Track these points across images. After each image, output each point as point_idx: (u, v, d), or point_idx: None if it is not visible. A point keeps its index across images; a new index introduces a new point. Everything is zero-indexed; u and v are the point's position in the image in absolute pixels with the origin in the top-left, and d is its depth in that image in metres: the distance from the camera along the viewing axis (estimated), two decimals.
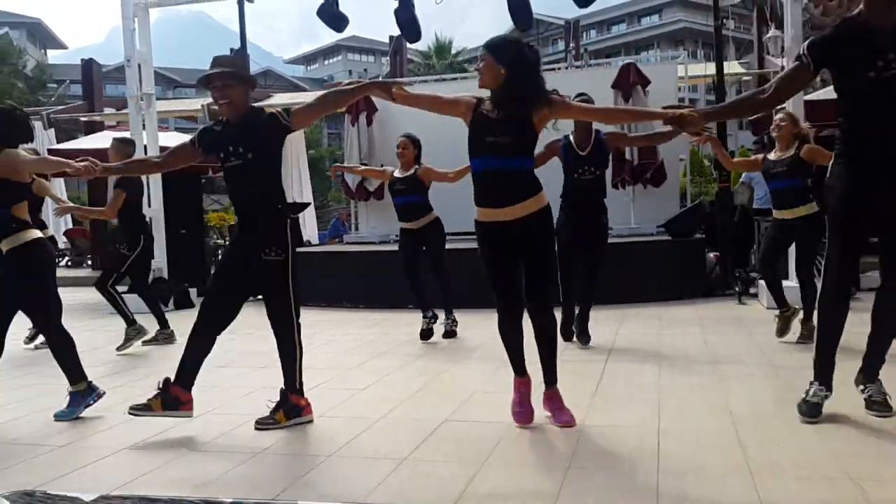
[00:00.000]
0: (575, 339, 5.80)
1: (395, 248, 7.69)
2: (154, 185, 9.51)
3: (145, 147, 9.41)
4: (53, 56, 63.55)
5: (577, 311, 5.83)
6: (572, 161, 5.69)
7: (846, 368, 3.66)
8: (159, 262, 9.45)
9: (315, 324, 7.53)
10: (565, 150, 5.69)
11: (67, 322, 4.38)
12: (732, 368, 4.76)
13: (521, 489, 2.82)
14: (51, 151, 12.01)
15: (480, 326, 6.96)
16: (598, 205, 5.73)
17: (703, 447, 3.20)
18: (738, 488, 2.72)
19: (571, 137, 5.75)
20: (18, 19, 60.41)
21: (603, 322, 6.90)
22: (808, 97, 7.99)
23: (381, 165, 10.74)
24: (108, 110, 16.65)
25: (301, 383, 3.86)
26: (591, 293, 5.79)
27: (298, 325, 3.86)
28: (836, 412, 3.61)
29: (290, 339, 3.85)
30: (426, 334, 6.27)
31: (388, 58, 18.12)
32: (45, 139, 16.68)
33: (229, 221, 14.34)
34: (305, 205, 17.14)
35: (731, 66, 13.85)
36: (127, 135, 7.66)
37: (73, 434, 3.77)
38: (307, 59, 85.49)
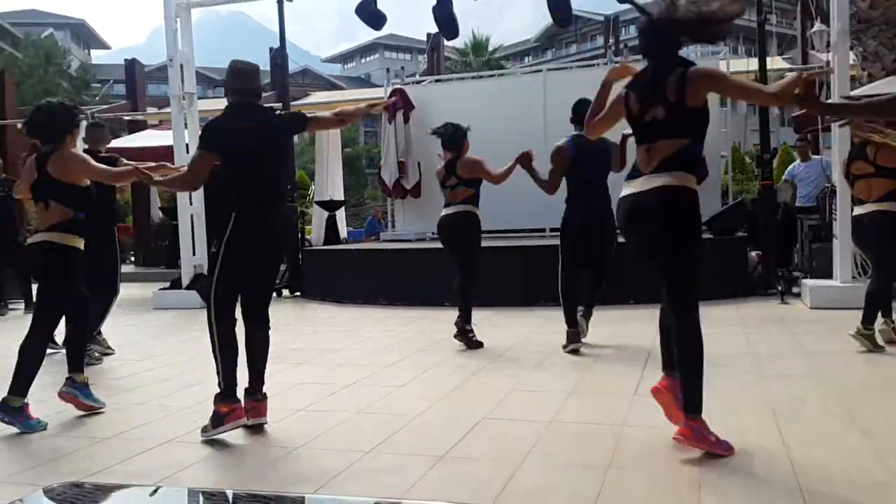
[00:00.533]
0: None
1: (432, 245, 7.71)
2: None
3: (187, 146, 9.56)
4: (97, 56, 64.86)
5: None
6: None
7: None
8: (200, 258, 9.59)
9: (352, 321, 7.60)
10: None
11: (112, 317, 4.46)
12: (775, 368, 4.67)
13: (560, 489, 2.81)
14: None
15: (514, 325, 6.95)
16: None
17: (746, 449, 3.15)
18: (782, 491, 2.68)
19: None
20: (63, 20, 61.81)
21: (643, 320, 6.82)
22: (855, 93, 7.81)
23: (418, 163, 10.81)
24: (150, 109, 16.95)
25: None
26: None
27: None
28: (879, 417, 3.53)
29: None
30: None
31: (425, 55, 18.13)
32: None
33: None
34: (341, 203, 17.27)
35: (775, 62, 13.60)
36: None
37: (118, 426, 3.84)
38: (344, 58, 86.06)
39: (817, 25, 11.69)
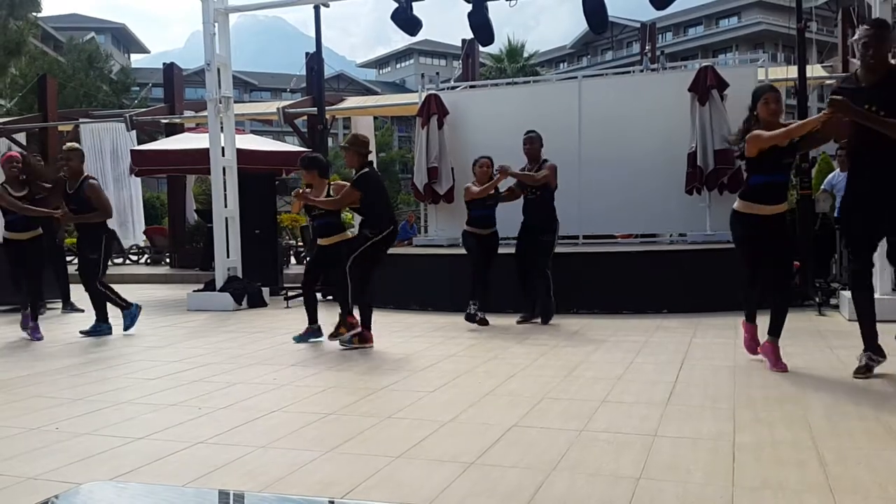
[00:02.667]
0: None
1: (464, 251, 7.75)
2: (230, 187, 9.76)
3: (223, 149, 9.68)
4: (136, 60, 66.13)
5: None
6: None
7: None
8: (234, 261, 9.70)
9: (383, 326, 7.60)
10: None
11: (145, 318, 4.52)
12: (811, 380, 4.59)
13: (589, 499, 2.78)
14: (133, 152, 12.48)
15: (548, 332, 6.92)
16: (542, 221, 7.33)
17: (780, 461, 3.10)
18: None
19: (526, 166, 7.42)
20: (104, 24, 63.17)
21: (676, 330, 6.77)
22: None
23: (452, 169, 10.82)
24: (187, 113, 17.23)
25: None
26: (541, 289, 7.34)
27: None
28: None
29: None
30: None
31: (459, 61, 18.16)
32: (126, 140, 17.38)
33: (301, 223, 14.61)
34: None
35: (814, 70, 13.37)
36: (76, 144, 7.96)
37: (150, 427, 3.89)
38: (379, 63, 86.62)
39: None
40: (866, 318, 4.75)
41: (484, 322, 7.33)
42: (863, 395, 4.18)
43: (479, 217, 7.49)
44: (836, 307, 7.63)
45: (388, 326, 7.53)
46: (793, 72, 9.29)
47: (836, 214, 9.39)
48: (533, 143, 7.41)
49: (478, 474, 3.05)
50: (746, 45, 54.33)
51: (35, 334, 7.14)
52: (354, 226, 7.60)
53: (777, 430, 3.56)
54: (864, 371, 4.65)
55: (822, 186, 10.39)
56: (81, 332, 7.28)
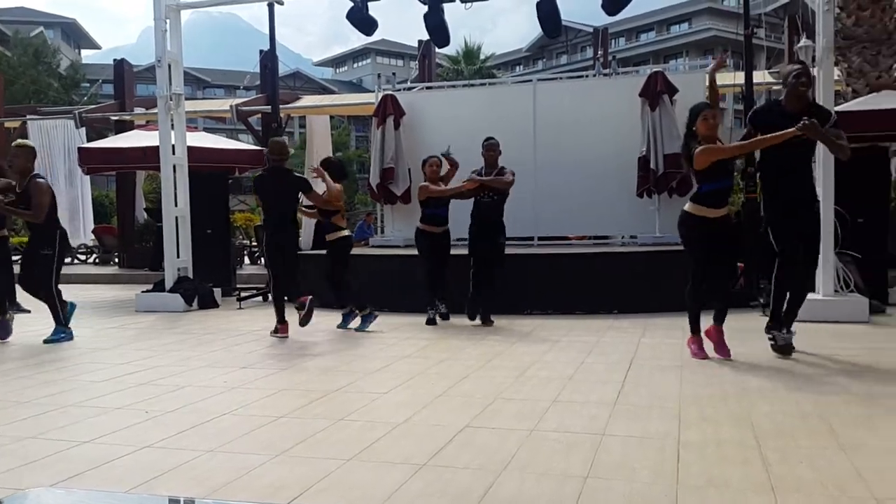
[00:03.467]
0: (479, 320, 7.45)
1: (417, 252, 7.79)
2: (181, 185, 9.61)
3: (173, 147, 9.53)
4: (87, 56, 64.64)
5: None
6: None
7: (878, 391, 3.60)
8: (184, 261, 9.55)
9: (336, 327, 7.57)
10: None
11: (93, 320, 4.44)
12: (755, 380, 4.70)
13: (539, 498, 2.81)
14: (81, 150, 12.20)
15: (502, 332, 6.96)
16: (497, 223, 7.39)
17: (724, 460, 3.17)
18: None
19: (483, 170, 7.45)
20: (53, 19, 61.58)
21: (627, 331, 6.88)
22: (839, 108, 7.89)
23: (409, 170, 10.82)
24: (138, 110, 16.89)
25: None
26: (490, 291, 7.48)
27: None
28: (857, 431, 3.56)
29: None
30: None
31: (416, 62, 18.16)
32: (76, 137, 16.98)
33: (255, 222, 14.47)
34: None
35: (761, 76, 13.69)
36: (28, 141, 7.86)
37: (95, 430, 3.81)
38: (336, 62, 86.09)
39: (803, 41, 11.79)
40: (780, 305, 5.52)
41: (446, 317, 7.61)
42: (806, 395, 4.29)
43: (433, 215, 7.59)
44: None
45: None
46: (741, 77, 9.51)
47: None
48: (494, 149, 7.52)
49: (430, 476, 3.06)
50: (697, 51, 55.40)
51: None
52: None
53: (722, 428, 3.65)
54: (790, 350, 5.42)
55: None
56: (45, 342, 6.92)
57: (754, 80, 9.12)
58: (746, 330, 6.10)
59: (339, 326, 7.44)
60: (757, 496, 2.77)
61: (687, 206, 5.49)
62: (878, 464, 3.08)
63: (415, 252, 8.00)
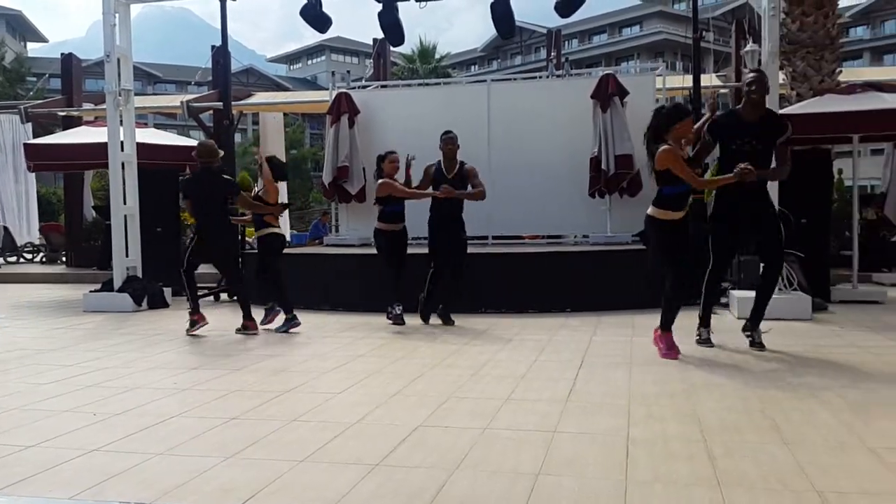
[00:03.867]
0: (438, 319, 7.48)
1: (375, 251, 7.76)
2: (130, 182, 9.43)
3: (122, 143, 9.35)
4: (33, 49, 62.94)
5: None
6: (441, 182, 7.27)
7: (822, 385, 3.71)
8: (133, 260, 9.38)
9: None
10: (437, 173, 7.38)
11: (39, 320, 4.34)
12: (702, 377, 4.81)
13: (490, 496, 2.84)
14: (27, 146, 11.89)
15: (457, 331, 6.99)
16: (458, 219, 7.39)
17: (671, 456, 3.25)
18: (705, 500, 2.76)
19: (442, 163, 7.41)
20: None
21: (579, 329, 6.97)
22: (783, 111, 8.10)
23: (364, 169, 10.78)
24: (86, 105, 16.53)
25: None
26: (456, 288, 7.48)
27: None
28: (800, 427, 3.67)
29: None
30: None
31: (371, 60, 18.10)
32: (21, 133, 16.53)
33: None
34: (286, 205, 17.10)
35: (709, 79, 13.99)
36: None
37: (41, 434, 3.73)
38: (290, 59, 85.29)
39: (749, 45, 12.08)
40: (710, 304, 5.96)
41: (401, 321, 7.39)
42: (750, 391, 4.41)
43: (391, 213, 7.47)
44: (727, 306, 8.01)
45: (298, 327, 7.44)
46: (689, 80, 9.70)
47: None
48: (453, 143, 7.42)
49: (382, 476, 3.07)
50: (648, 54, 56.34)
51: None
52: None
53: (669, 425, 3.73)
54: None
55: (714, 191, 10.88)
56: None
57: (702, 83, 9.31)
58: (693, 328, 6.21)
59: (260, 322, 7.36)
60: (702, 490, 2.84)
61: (651, 211, 5.51)
62: (819, 458, 3.18)
63: (370, 251, 7.99)
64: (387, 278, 7.51)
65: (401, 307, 7.39)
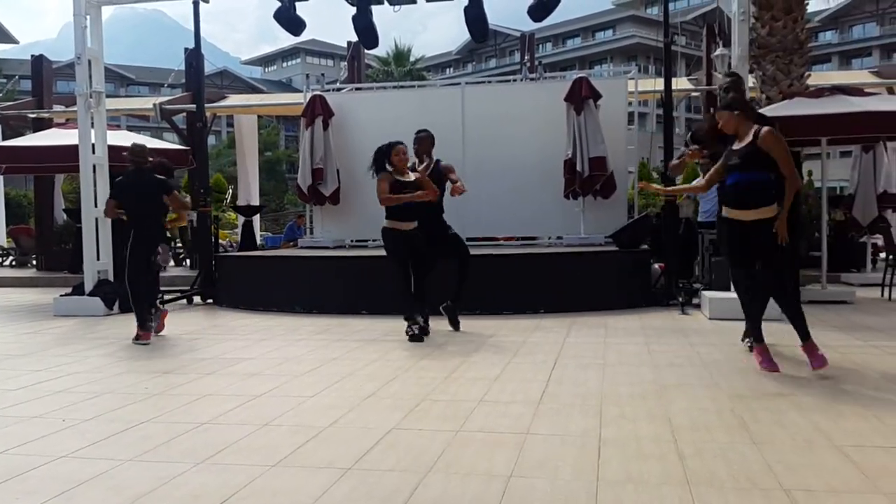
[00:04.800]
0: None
1: (350, 253, 7.72)
2: (101, 185, 9.32)
3: (93, 146, 9.24)
4: (4, 51, 61.96)
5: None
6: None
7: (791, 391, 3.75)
8: (104, 263, 9.28)
9: (266, 329, 7.49)
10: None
11: (8, 325, 4.27)
12: (673, 378, 4.86)
13: (463, 498, 2.85)
14: None
15: (431, 334, 6.99)
16: (440, 219, 6.96)
17: (642, 456, 3.27)
18: (675, 499, 2.79)
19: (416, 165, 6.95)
20: None
21: (552, 330, 7.00)
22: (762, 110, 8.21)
23: (338, 171, 10.76)
24: (57, 107, 16.31)
25: None
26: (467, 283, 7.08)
27: None
28: (769, 426, 3.72)
29: None
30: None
31: (346, 63, 18.06)
32: None
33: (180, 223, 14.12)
34: (258, 208, 17.04)
35: (680, 83, 14.15)
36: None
37: (8, 441, 3.68)
38: (265, 61, 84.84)
39: (720, 49, 12.23)
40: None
41: (426, 331, 6.69)
42: (720, 391, 4.46)
43: (401, 209, 6.60)
44: (698, 307, 8.10)
45: (271, 329, 7.41)
46: (661, 84, 9.79)
47: (699, 219, 10.02)
48: (422, 142, 7.02)
49: (355, 479, 3.06)
50: (621, 58, 56.83)
51: None
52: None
53: (640, 425, 3.76)
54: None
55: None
56: None
57: (673, 87, 9.41)
58: (664, 329, 6.28)
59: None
60: (673, 490, 2.87)
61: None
62: (787, 457, 3.23)
63: (344, 253, 7.96)
64: (401, 286, 6.69)
65: (416, 324, 6.58)
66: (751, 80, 9.03)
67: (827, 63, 52.43)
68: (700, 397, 4.33)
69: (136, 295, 6.88)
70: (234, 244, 15.73)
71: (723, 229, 5.21)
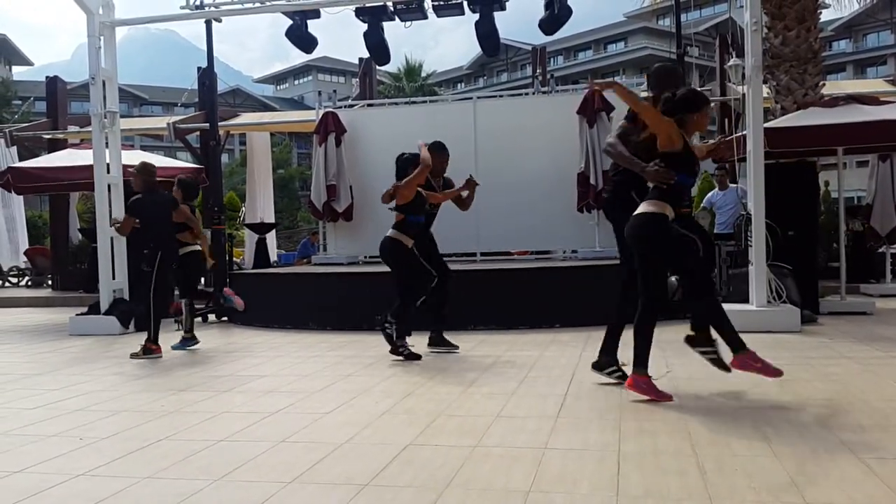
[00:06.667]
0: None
1: (363, 269, 7.72)
2: (116, 205, 9.39)
3: (108, 166, 9.32)
4: (19, 72, 62.88)
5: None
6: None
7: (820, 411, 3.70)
8: (120, 282, 9.32)
9: (280, 346, 7.49)
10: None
11: (24, 344, 4.29)
12: (693, 391, 4.81)
13: None
14: (12, 170, 11.82)
15: (445, 349, 6.96)
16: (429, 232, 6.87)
17: (662, 470, 3.23)
18: None
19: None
20: None
21: (568, 344, 6.96)
22: (768, 125, 8.17)
23: (350, 187, 10.78)
24: (71, 128, 16.49)
25: None
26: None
27: None
28: (790, 439, 3.67)
29: None
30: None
31: (357, 79, 18.16)
32: (7, 156, 16.45)
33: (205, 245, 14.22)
34: (272, 226, 17.10)
35: None
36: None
37: (26, 459, 3.68)
38: (277, 79, 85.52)
39: (733, 60, 12.20)
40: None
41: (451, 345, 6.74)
42: (740, 404, 4.41)
43: (414, 223, 6.61)
44: None
45: (286, 346, 7.42)
46: None
47: (715, 230, 9.95)
48: (444, 159, 6.95)
49: (372, 496, 3.04)
50: (633, 69, 56.82)
51: None
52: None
53: (659, 439, 3.71)
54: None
55: (703, 204, 10.97)
56: None
57: None
58: (681, 342, 6.20)
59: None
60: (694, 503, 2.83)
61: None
62: (809, 469, 3.18)
63: (357, 270, 7.97)
64: (408, 299, 6.51)
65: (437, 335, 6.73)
66: (765, 90, 8.99)
67: (841, 72, 52.23)
68: (719, 410, 4.28)
69: (158, 309, 7.14)
70: (238, 262, 15.58)
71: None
